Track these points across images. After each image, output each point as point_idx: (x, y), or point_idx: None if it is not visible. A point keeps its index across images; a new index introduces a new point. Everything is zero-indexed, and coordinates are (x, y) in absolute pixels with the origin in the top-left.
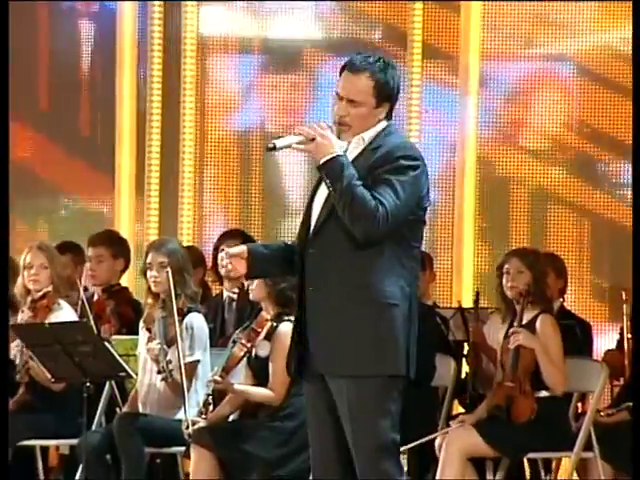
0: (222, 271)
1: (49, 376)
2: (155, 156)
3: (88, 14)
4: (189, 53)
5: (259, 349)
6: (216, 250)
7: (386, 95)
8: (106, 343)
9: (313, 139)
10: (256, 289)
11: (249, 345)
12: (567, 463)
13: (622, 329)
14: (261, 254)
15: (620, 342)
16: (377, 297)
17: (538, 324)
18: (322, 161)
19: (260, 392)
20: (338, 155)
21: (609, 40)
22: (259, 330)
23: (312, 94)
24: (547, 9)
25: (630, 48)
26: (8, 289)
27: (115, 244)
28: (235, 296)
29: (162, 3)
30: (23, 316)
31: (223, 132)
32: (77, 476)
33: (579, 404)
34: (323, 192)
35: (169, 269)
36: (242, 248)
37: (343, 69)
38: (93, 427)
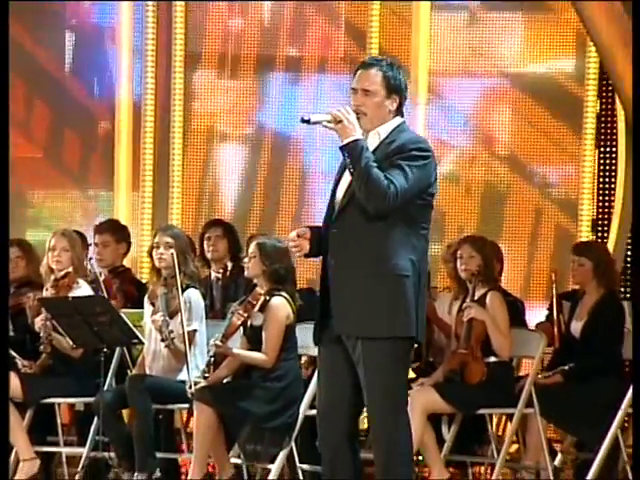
0: (292, 250)
1: (71, 342)
2: (149, 157)
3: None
4: (178, 68)
5: (254, 319)
6: (202, 238)
7: (394, 87)
8: (121, 314)
9: (340, 121)
10: (252, 267)
11: (245, 315)
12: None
13: (551, 305)
14: (320, 236)
15: (549, 316)
16: (390, 269)
17: (487, 300)
18: (345, 142)
19: (254, 356)
20: (359, 139)
21: (545, 61)
22: (254, 303)
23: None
24: (491, 30)
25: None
26: (8, 289)
27: (119, 231)
28: (220, 276)
29: (155, 25)
30: (47, 293)
31: (206, 137)
32: (92, 429)
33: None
34: (345, 180)
35: (174, 250)
36: (306, 229)
37: (357, 71)
38: (105, 387)
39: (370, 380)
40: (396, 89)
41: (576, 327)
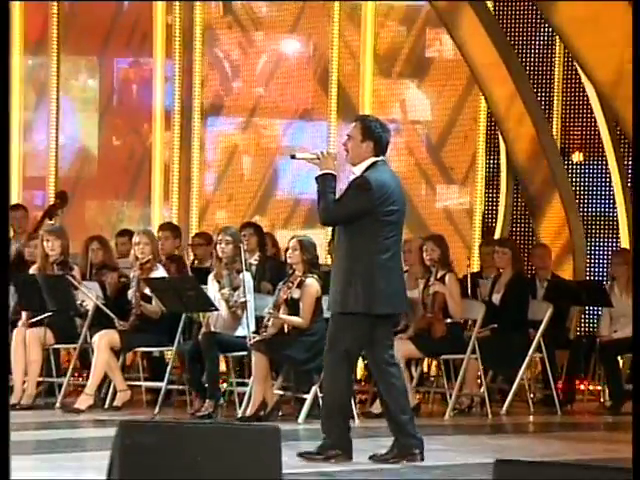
0: None
1: (164, 309)
2: (175, 180)
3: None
4: (196, 123)
5: (293, 294)
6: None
7: (369, 133)
8: (204, 289)
9: (318, 158)
10: (294, 257)
11: (288, 292)
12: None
13: (465, 281)
14: None
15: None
16: (352, 265)
17: (446, 279)
18: (319, 173)
19: (295, 319)
20: (328, 173)
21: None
22: (294, 281)
23: None
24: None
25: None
26: (8, 287)
27: (175, 229)
28: (255, 262)
29: (180, 84)
30: (135, 274)
31: (217, 164)
32: (167, 369)
33: None
34: None
35: (240, 245)
36: None
37: None
38: (176, 341)
39: None
40: (370, 136)
41: (496, 298)
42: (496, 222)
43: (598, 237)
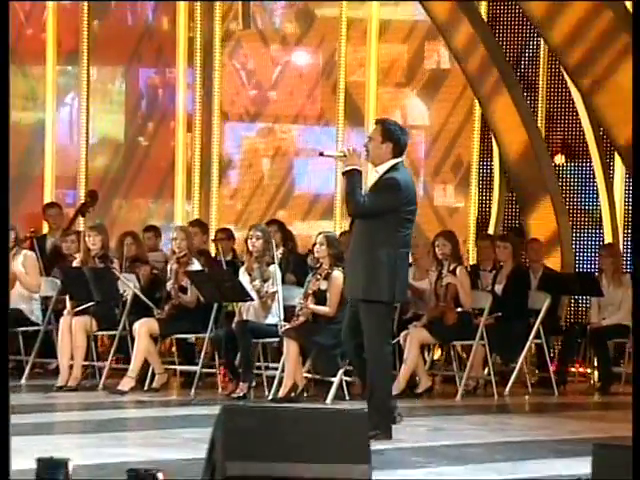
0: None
1: (202, 299)
2: (197, 180)
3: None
4: (216, 120)
5: (321, 285)
6: None
7: (389, 135)
8: (240, 281)
9: (345, 155)
10: (322, 252)
11: (317, 283)
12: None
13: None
14: None
15: (471, 279)
16: (374, 256)
17: (457, 271)
18: (345, 170)
19: (322, 309)
20: (354, 169)
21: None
22: (321, 274)
23: None
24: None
25: None
26: (8, 285)
27: (203, 226)
28: (279, 256)
29: (201, 91)
30: (172, 266)
31: (235, 165)
32: (202, 354)
33: None
34: None
35: (272, 240)
36: None
37: None
38: (209, 328)
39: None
40: (390, 138)
41: (498, 288)
42: (489, 220)
43: (583, 231)
